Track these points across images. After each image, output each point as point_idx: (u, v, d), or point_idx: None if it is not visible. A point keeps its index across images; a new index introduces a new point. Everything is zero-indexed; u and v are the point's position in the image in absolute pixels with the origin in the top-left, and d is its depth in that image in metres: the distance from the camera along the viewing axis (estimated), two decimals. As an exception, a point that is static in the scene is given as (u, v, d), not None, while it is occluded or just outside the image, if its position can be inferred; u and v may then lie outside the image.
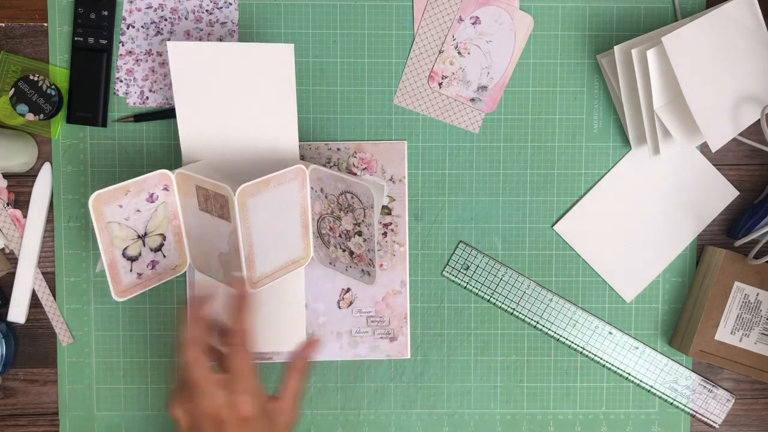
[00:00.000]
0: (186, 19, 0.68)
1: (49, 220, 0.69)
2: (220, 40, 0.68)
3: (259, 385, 0.55)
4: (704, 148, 0.70)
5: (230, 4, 0.68)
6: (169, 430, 0.70)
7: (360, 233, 0.64)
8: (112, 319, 0.69)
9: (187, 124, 0.65)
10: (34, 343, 0.70)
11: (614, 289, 0.71)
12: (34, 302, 0.69)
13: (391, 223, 0.69)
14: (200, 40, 0.68)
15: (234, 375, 0.53)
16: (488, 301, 0.70)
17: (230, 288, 0.64)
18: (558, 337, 0.70)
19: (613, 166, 0.70)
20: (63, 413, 0.70)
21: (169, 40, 0.67)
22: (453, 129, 0.69)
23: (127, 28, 0.67)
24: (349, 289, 0.70)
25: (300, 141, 0.69)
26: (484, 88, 0.69)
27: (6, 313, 0.68)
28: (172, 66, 0.63)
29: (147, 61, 0.68)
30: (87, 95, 0.67)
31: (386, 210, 0.69)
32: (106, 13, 0.67)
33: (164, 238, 0.64)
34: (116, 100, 0.68)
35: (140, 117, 0.68)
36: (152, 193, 0.61)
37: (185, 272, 0.68)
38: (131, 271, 0.62)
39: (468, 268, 0.70)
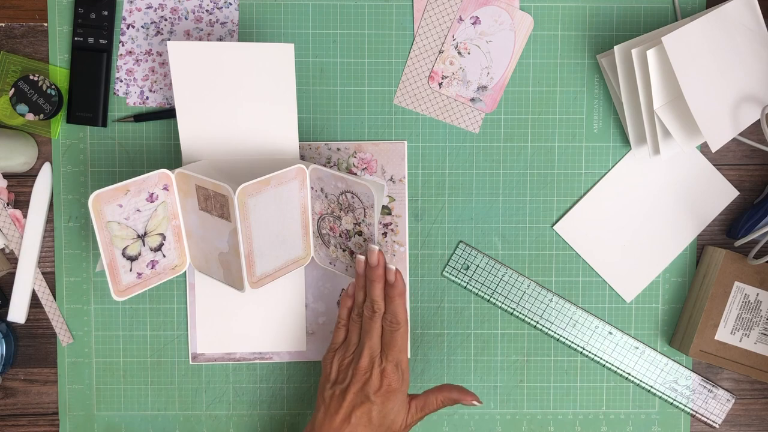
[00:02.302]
0: (186, 19, 0.68)
1: (49, 220, 0.69)
2: (220, 40, 0.68)
3: (408, 367, 0.61)
4: (704, 148, 0.70)
5: (230, 4, 0.68)
6: (169, 430, 0.70)
7: (360, 233, 0.64)
8: (112, 319, 0.69)
9: (187, 124, 0.65)
10: (34, 343, 0.70)
11: (614, 289, 0.71)
12: (34, 302, 0.69)
13: (391, 223, 0.70)
14: (200, 40, 0.68)
15: (392, 348, 0.59)
16: (488, 301, 0.70)
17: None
18: (558, 337, 0.70)
19: (613, 166, 0.70)
20: (63, 413, 0.70)
21: (169, 40, 0.67)
22: (453, 129, 0.69)
23: (127, 28, 0.68)
24: (349, 289, 0.70)
25: (300, 141, 0.69)
26: (484, 88, 0.69)
27: (6, 313, 0.68)
28: (172, 66, 0.63)
29: (147, 61, 0.68)
30: (87, 95, 0.67)
31: (386, 210, 0.69)
32: (106, 13, 0.67)
33: (164, 237, 0.64)
34: (116, 100, 0.68)
35: (140, 117, 0.68)
36: (152, 193, 0.61)
37: (185, 272, 0.68)
38: (131, 270, 0.62)
39: (468, 268, 0.70)
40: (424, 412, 0.61)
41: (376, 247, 0.61)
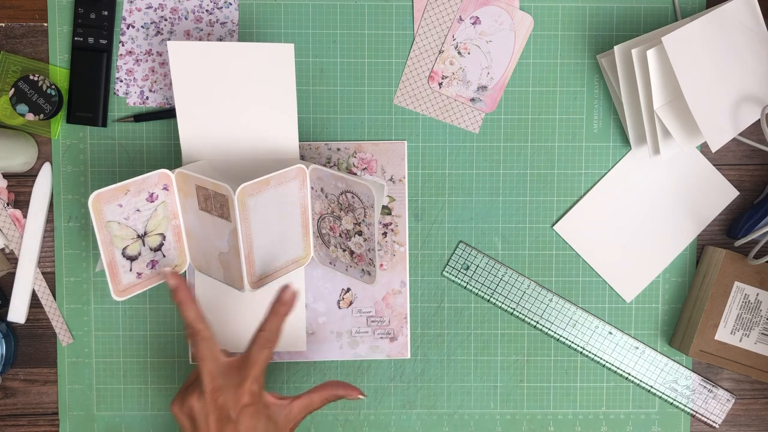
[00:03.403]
0: (186, 19, 0.68)
1: (49, 220, 0.69)
2: (220, 40, 0.68)
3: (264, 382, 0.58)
4: (704, 148, 0.70)
5: (230, 4, 0.68)
6: (169, 430, 0.70)
7: (360, 233, 0.64)
8: (112, 319, 0.69)
9: (187, 124, 0.65)
10: (34, 343, 0.70)
11: (614, 289, 0.71)
12: (34, 302, 0.69)
13: (391, 223, 0.70)
14: (200, 40, 0.68)
15: (248, 362, 0.56)
16: (488, 301, 0.70)
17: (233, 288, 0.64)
18: (558, 337, 0.70)
19: (613, 166, 0.70)
20: (63, 413, 0.70)
21: (169, 40, 0.67)
22: (453, 129, 0.69)
23: (127, 28, 0.68)
24: (349, 289, 0.70)
25: (300, 141, 0.69)
26: (484, 88, 0.69)
27: (6, 313, 0.68)
28: (172, 66, 0.63)
29: (147, 61, 0.68)
30: (87, 95, 0.67)
31: (386, 210, 0.69)
32: (106, 13, 0.67)
33: (164, 237, 0.64)
34: (116, 100, 0.68)
35: (140, 117, 0.68)
36: (152, 193, 0.61)
37: (185, 272, 0.68)
38: (131, 270, 0.62)
39: (468, 268, 0.70)
40: (307, 411, 0.59)
41: (168, 269, 0.57)
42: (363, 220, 0.63)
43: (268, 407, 0.57)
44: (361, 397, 0.60)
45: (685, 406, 0.71)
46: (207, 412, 0.55)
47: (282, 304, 0.58)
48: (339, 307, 0.70)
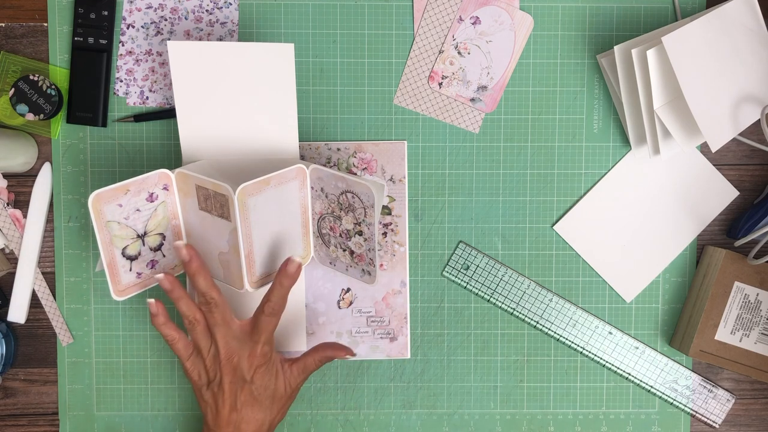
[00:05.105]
0: (186, 19, 0.68)
1: (49, 220, 0.69)
2: (220, 40, 0.68)
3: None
4: (704, 148, 0.70)
5: (230, 4, 0.68)
6: (169, 430, 0.70)
7: (360, 233, 0.64)
8: (112, 319, 0.69)
9: (187, 124, 0.65)
10: (34, 343, 0.70)
11: (614, 289, 0.71)
12: (34, 302, 0.69)
13: (391, 223, 0.70)
14: (200, 40, 0.68)
15: (257, 328, 0.60)
16: (488, 301, 0.70)
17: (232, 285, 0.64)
18: (558, 337, 0.70)
19: (613, 166, 0.70)
20: (63, 413, 0.70)
21: (169, 40, 0.67)
22: (453, 129, 0.69)
23: (127, 28, 0.68)
24: (349, 289, 0.70)
25: (300, 141, 0.69)
26: (484, 88, 0.69)
27: (6, 313, 0.68)
28: (172, 66, 0.63)
29: (147, 61, 0.68)
30: (87, 95, 0.67)
31: (386, 210, 0.69)
32: (106, 13, 0.67)
33: (164, 237, 0.64)
34: (116, 100, 0.68)
35: (140, 117, 0.68)
36: (152, 193, 0.61)
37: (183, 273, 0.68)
38: (131, 270, 0.62)
39: (468, 268, 0.70)
40: (305, 374, 0.63)
41: (182, 242, 0.60)
42: (363, 220, 0.63)
43: (278, 367, 0.62)
44: (349, 357, 0.64)
45: (685, 406, 0.71)
46: (222, 374, 0.60)
47: (286, 277, 0.60)
48: (339, 307, 0.70)
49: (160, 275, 0.59)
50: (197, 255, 0.60)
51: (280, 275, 0.60)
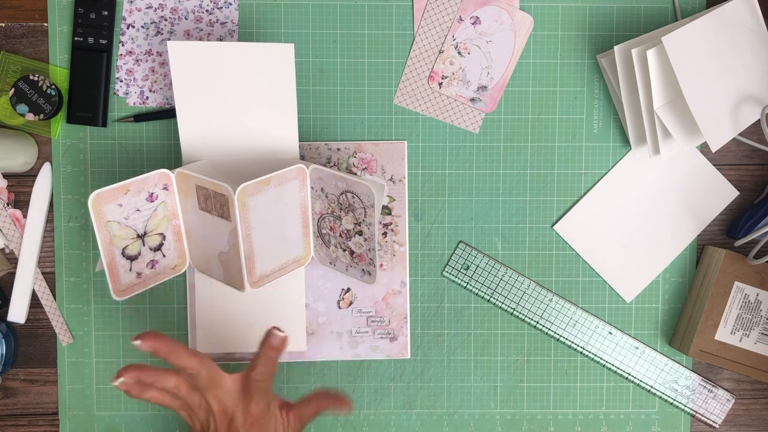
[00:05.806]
0: (186, 19, 0.68)
1: (49, 220, 0.69)
2: (220, 40, 0.68)
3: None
4: (704, 148, 0.70)
5: (230, 4, 0.68)
6: (169, 430, 0.70)
7: (360, 233, 0.64)
8: (112, 319, 0.69)
9: (187, 124, 0.65)
10: (34, 343, 0.69)
11: (614, 289, 0.71)
12: (34, 302, 0.69)
13: (391, 223, 0.70)
14: (200, 40, 0.68)
15: (249, 389, 0.56)
16: (488, 301, 0.70)
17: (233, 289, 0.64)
18: (558, 337, 0.70)
19: (613, 166, 0.70)
20: (63, 413, 0.70)
21: (169, 40, 0.67)
22: (453, 129, 0.69)
23: (127, 28, 0.68)
24: (349, 289, 0.70)
25: (300, 141, 0.69)
26: (484, 88, 0.69)
27: (6, 313, 0.68)
28: (172, 66, 0.63)
29: (147, 61, 0.68)
30: (87, 95, 0.67)
31: (386, 210, 0.69)
32: (106, 13, 0.67)
33: (164, 237, 0.64)
34: (116, 100, 0.68)
35: (140, 117, 0.68)
36: (152, 193, 0.61)
37: (185, 272, 0.68)
38: (131, 270, 0.62)
39: (468, 268, 0.70)
40: (302, 423, 0.59)
41: (138, 341, 0.54)
42: (363, 220, 0.63)
43: (276, 415, 0.58)
44: (347, 411, 0.60)
45: (685, 406, 0.71)
46: (217, 426, 0.56)
47: (270, 349, 0.57)
48: (339, 307, 0.70)
49: (137, 341, 0.54)
50: (159, 340, 0.54)
51: (264, 347, 0.57)
